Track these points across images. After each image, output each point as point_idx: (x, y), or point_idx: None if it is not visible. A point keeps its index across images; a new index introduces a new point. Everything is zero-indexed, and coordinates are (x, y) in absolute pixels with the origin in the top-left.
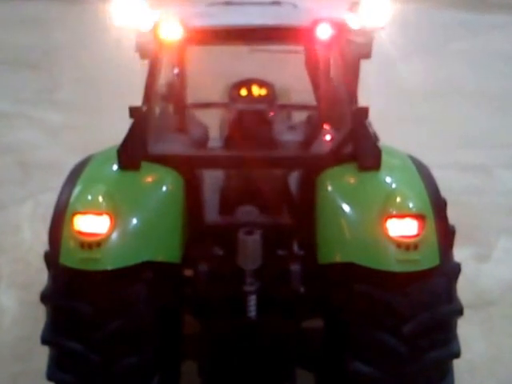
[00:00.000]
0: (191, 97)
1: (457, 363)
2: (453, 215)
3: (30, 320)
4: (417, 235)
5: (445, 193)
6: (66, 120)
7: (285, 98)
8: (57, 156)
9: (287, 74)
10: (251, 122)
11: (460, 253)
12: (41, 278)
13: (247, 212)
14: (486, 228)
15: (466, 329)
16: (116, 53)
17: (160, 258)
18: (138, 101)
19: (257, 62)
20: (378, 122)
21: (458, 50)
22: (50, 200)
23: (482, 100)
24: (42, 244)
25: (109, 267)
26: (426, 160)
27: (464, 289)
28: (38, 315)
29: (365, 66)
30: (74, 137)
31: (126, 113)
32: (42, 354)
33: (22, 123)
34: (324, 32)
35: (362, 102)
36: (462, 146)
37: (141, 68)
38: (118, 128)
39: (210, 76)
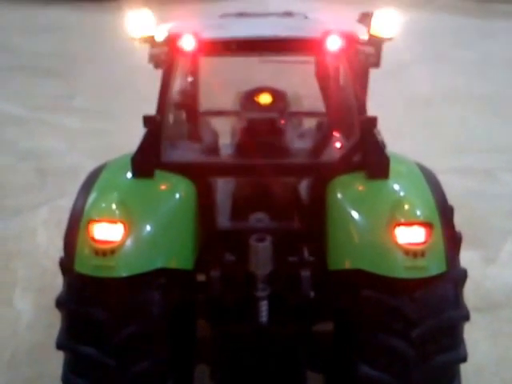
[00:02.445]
0: (204, 105)
1: (464, 366)
2: (458, 219)
3: (45, 325)
4: (424, 242)
5: (449, 197)
6: (83, 126)
7: (296, 106)
8: (73, 162)
9: (298, 81)
10: (262, 130)
11: (466, 256)
12: (56, 282)
13: (258, 219)
14: (492, 231)
15: (472, 331)
16: (132, 61)
17: (173, 264)
18: (152, 107)
19: (268, 71)
20: (384, 128)
21: (463, 56)
22: (65, 205)
23: (484, 105)
24: (57, 249)
25: (123, 274)
26: (430, 164)
27: (470, 292)
28: (53, 320)
29: (373, 74)
30: (91, 142)
31: (141, 119)
32: (57, 359)
33: (40, 129)
34: (334, 43)
35: (369, 108)
36: (465, 150)
37: (155, 76)
38: (135, 134)
39: (223, 85)
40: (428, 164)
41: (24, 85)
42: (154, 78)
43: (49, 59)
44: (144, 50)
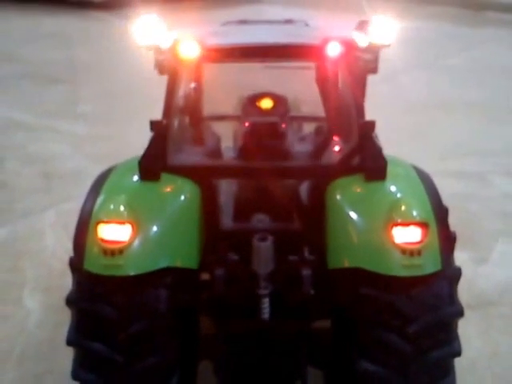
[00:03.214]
0: (207, 110)
1: (458, 360)
2: (452, 220)
3: (54, 322)
4: (420, 242)
5: (444, 198)
6: (88, 132)
7: (296, 110)
8: (78, 166)
9: (298, 87)
10: (264, 133)
11: (459, 256)
12: (63, 281)
13: (260, 219)
14: (483, 232)
15: (465, 328)
16: (136, 68)
17: (178, 263)
18: (156, 113)
19: (269, 77)
20: (381, 131)
21: (455, 63)
22: (71, 208)
23: (475, 111)
24: (64, 249)
25: (131, 273)
26: (425, 167)
27: (463, 290)
28: (61, 318)
29: (370, 79)
30: (95, 147)
31: (146, 124)
32: (66, 355)
33: (46, 135)
34: (333, 50)
35: (367, 112)
36: (457, 154)
37: (158, 81)
38: (139, 139)
39: (225, 90)
40: (423, 167)
41: (30, 92)
42: (155, 84)
43: (55, 67)
44: (146, 57)
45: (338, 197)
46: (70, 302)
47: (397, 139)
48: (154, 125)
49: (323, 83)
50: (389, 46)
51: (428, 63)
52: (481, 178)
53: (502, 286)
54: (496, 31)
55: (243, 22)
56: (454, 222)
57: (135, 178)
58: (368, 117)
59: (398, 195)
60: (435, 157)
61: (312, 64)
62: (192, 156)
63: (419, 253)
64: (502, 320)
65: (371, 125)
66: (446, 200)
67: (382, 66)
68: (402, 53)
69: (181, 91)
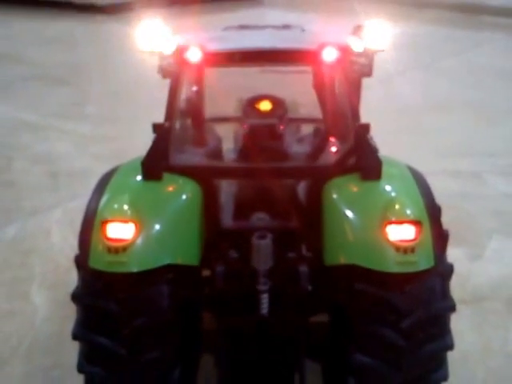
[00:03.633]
0: (208, 112)
1: (450, 354)
2: (446, 219)
3: (60, 317)
4: (414, 239)
5: (439, 197)
6: (94, 132)
7: (294, 112)
8: (83, 165)
9: (296, 90)
10: (263, 135)
11: (453, 253)
12: (69, 278)
13: (260, 218)
14: (478, 229)
15: (459, 322)
16: (139, 71)
17: (180, 260)
18: (157, 114)
19: (268, 80)
20: (375, 133)
21: (450, 65)
22: (77, 206)
23: (471, 112)
24: (70, 247)
25: (134, 270)
26: (420, 167)
27: (458, 286)
28: (68, 313)
29: (365, 82)
30: (100, 147)
31: (150, 125)
32: (72, 349)
33: (52, 135)
34: (329, 55)
35: (362, 114)
36: (453, 154)
37: (161, 84)
38: (143, 139)
39: (226, 93)
40: (417, 167)
41: (37, 94)
42: (158, 87)
43: (60, 69)
44: (149, 61)
45: (335, 196)
46: (76, 297)
47: (394, 140)
48: (156, 127)
49: (320, 87)
50: (383, 50)
51: (424, 66)
52: (476, 178)
53: (495, 282)
54: (491, 34)
55: (243, 27)
56: (449, 219)
57: (138, 177)
58: (367, 118)
59: (393, 194)
60: (432, 157)
61: (309, 68)
62: (194, 157)
63: (413, 250)
64: (494, 315)
65: (366, 127)
66: (443, 199)
67: (379, 69)
68: (399, 56)
69: (183, 94)
